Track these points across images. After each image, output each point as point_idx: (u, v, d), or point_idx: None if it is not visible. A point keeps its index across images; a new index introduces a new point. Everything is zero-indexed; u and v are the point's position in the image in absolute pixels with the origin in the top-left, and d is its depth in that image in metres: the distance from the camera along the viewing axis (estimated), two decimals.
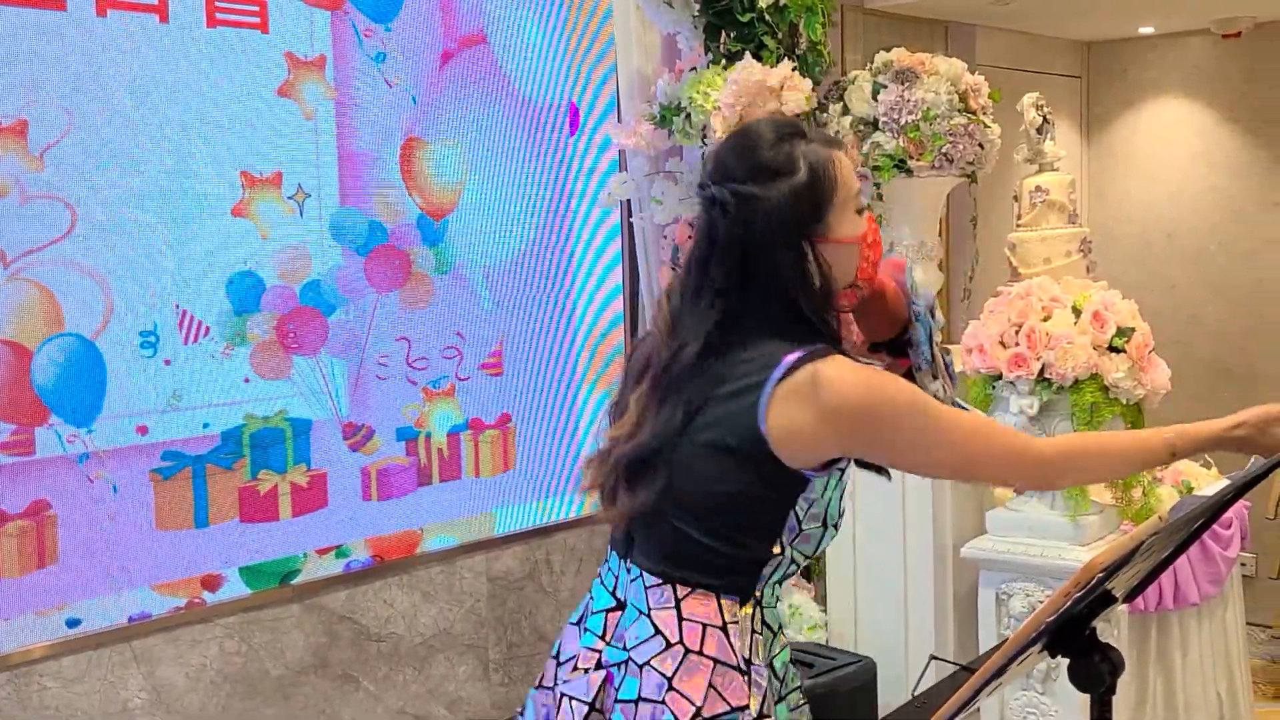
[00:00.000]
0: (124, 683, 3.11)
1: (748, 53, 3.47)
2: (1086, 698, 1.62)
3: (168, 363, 3.19)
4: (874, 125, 3.61)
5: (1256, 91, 5.71)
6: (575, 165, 4.16)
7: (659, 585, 1.70)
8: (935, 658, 1.97)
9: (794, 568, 1.77)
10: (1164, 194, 5.96)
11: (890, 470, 1.80)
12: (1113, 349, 3.11)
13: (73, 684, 3.02)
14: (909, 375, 1.84)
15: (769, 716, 1.70)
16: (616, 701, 1.67)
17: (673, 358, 1.73)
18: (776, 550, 1.70)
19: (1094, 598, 1.54)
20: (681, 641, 1.65)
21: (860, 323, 1.84)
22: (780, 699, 1.78)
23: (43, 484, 2.98)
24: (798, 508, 1.69)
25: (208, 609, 3.27)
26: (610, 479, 1.77)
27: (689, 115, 3.55)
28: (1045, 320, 3.16)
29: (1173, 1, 5.18)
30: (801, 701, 1.86)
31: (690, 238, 3.65)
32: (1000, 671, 1.53)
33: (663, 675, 1.64)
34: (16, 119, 2.93)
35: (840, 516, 1.75)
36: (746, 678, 1.66)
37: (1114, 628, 2.99)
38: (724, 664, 1.65)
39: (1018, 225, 3.70)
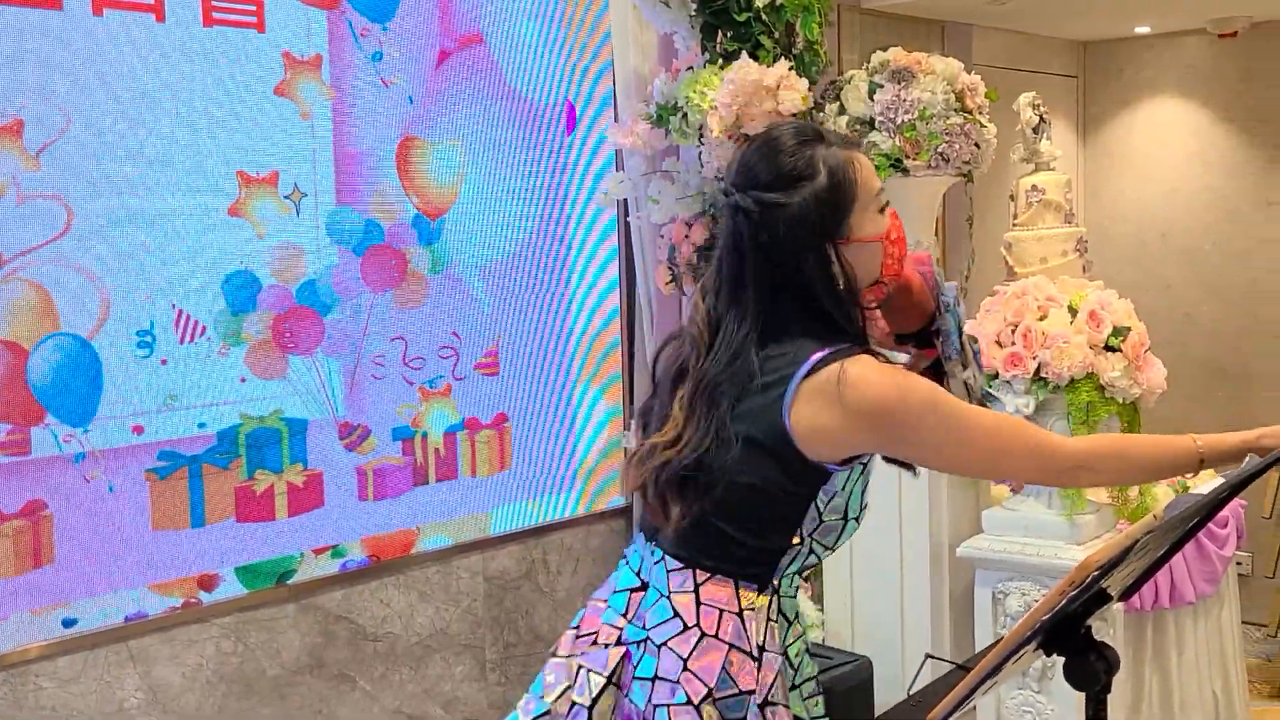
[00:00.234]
0: (120, 683, 3.11)
1: (744, 52, 3.47)
2: (1082, 696, 1.62)
3: (164, 362, 3.19)
4: (870, 125, 3.62)
5: (1252, 91, 5.72)
6: (572, 165, 4.16)
7: (680, 569, 1.76)
8: (930, 656, 1.97)
9: (814, 559, 1.79)
10: (1159, 193, 5.97)
11: (916, 466, 1.84)
12: (1109, 348, 3.11)
13: (68, 684, 3.02)
14: (937, 365, 1.86)
15: (777, 704, 1.72)
16: (635, 679, 1.73)
17: (713, 366, 1.78)
18: (796, 541, 1.73)
19: (1089, 596, 1.54)
20: (699, 625, 1.71)
21: (887, 316, 1.88)
22: (794, 686, 1.79)
23: (39, 484, 2.98)
24: (819, 500, 1.72)
25: (204, 609, 3.27)
26: (655, 487, 1.81)
27: (685, 115, 3.55)
28: (1041, 319, 3.16)
29: (1169, 1, 5.18)
30: (816, 691, 1.87)
31: (692, 240, 3.69)
32: (995, 670, 1.53)
33: (679, 656, 1.70)
34: (12, 118, 2.92)
35: (863, 509, 1.78)
36: (758, 663, 1.70)
37: (1110, 626, 3.00)
38: (738, 649, 1.70)
39: (1014, 225, 3.71)
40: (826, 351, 1.69)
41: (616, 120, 4.06)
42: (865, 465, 1.78)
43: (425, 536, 3.77)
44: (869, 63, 3.73)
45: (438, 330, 3.79)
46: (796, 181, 1.73)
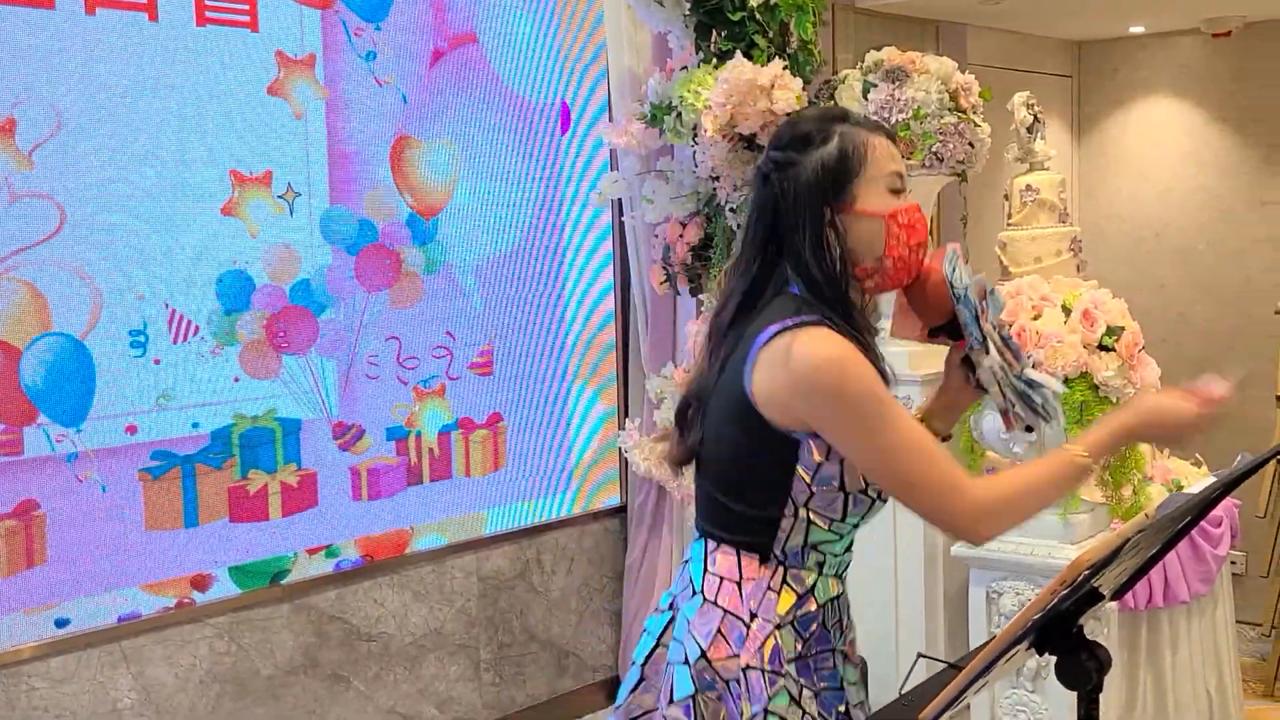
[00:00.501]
0: (113, 683, 3.10)
1: (739, 52, 3.47)
2: (1075, 696, 1.62)
3: (157, 362, 3.18)
4: None
5: (1246, 91, 5.72)
6: (566, 164, 4.16)
7: (699, 540, 1.86)
8: (923, 655, 1.97)
9: (833, 536, 1.79)
10: (1154, 193, 5.98)
11: None
12: (1103, 348, 3.11)
13: (61, 684, 3.01)
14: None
15: (766, 670, 1.74)
16: (671, 640, 1.85)
17: (717, 314, 1.86)
18: (789, 511, 1.75)
19: (1081, 595, 1.54)
20: (703, 591, 1.79)
21: (914, 309, 1.89)
22: (799, 657, 1.77)
23: (31, 484, 2.98)
24: (801, 469, 1.74)
25: (197, 609, 3.27)
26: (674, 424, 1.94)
27: (680, 114, 3.54)
28: (1035, 319, 3.16)
29: (1163, 1, 5.19)
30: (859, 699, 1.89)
31: (687, 240, 3.69)
32: (987, 669, 1.53)
33: (686, 620, 1.81)
34: (5, 118, 2.92)
35: (867, 484, 1.76)
36: (747, 629, 1.75)
37: (1104, 626, 3.00)
38: (731, 614, 1.76)
39: (1008, 224, 3.71)
40: (790, 321, 1.72)
41: (611, 120, 4.06)
42: None
43: (419, 536, 3.77)
44: (863, 62, 3.72)
45: (432, 330, 3.79)
46: (809, 145, 1.80)
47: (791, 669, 1.75)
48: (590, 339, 4.25)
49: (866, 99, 3.61)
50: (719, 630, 1.76)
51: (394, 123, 3.67)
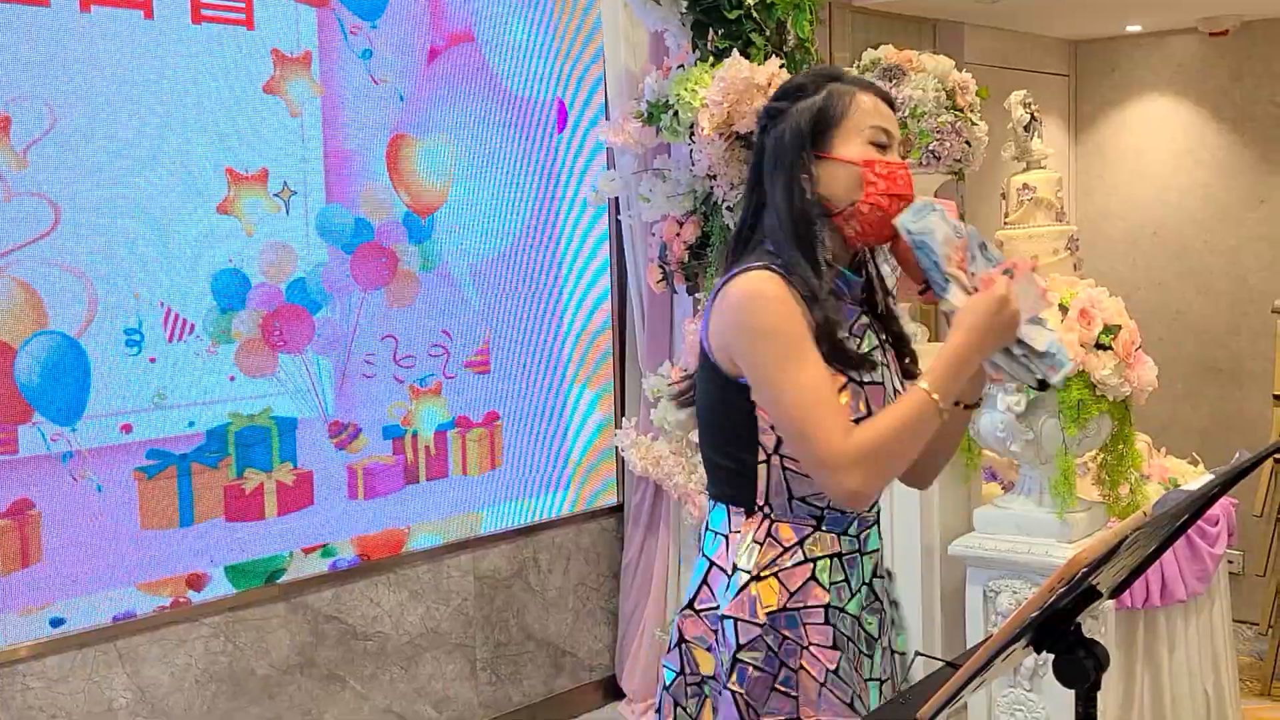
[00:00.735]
0: (108, 682, 3.10)
1: (735, 50, 3.47)
2: (1073, 694, 1.62)
3: (152, 361, 3.17)
4: None
5: (1242, 90, 5.72)
6: (563, 162, 4.15)
7: (708, 499, 1.91)
8: (920, 654, 1.96)
9: (816, 491, 1.76)
10: (1150, 191, 5.98)
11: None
12: (1100, 346, 3.11)
13: (56, 684, 3.01)
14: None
15: (732, 618, 1.76)
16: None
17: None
18: (761, 458, 1.78)
19: (1078, 593, 1.54)
20: (703, 549, 1.86)
21: (905, 269, 1.90)
22: (783, 610, 1.77)
23: (26, 483, 2.97)
24: (760, 414, 1.77)
25: (193, 608, 3.26)
26: None
27: (676, 113, 3.54)
28: None
29: (1160, 0, 5.19)
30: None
31: (683, 238, 3.69)
32: (985, 667, 1.53)
33: (694, 574, 1.87)
34: (0, 115, 2.91)
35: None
36: (729, 581, 1.79)
37: (1102, 624, 2.99)
38: (717, 566, 1.82)
39: (1005, 223, 3.71)
40: (739, 268, 1.78)
41: (608, 118, 4.05)
42: None
43: (415, 535, 3.76)
44: (860, 60, 3.72)
45: (428, 328, 3.78)
46: (799, 95, 1.85)
47: (771, 620, 1.76)
48: (587, 337, 4.24)
49: None
50: (705, 581, 1.82)
51: (390, 121, 3.66)
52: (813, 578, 1.80)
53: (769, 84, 3.36)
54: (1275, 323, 4.56)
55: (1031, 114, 3.68)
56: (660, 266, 3.78)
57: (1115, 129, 6.08)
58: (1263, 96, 5.66)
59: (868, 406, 1.77)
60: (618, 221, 4.12)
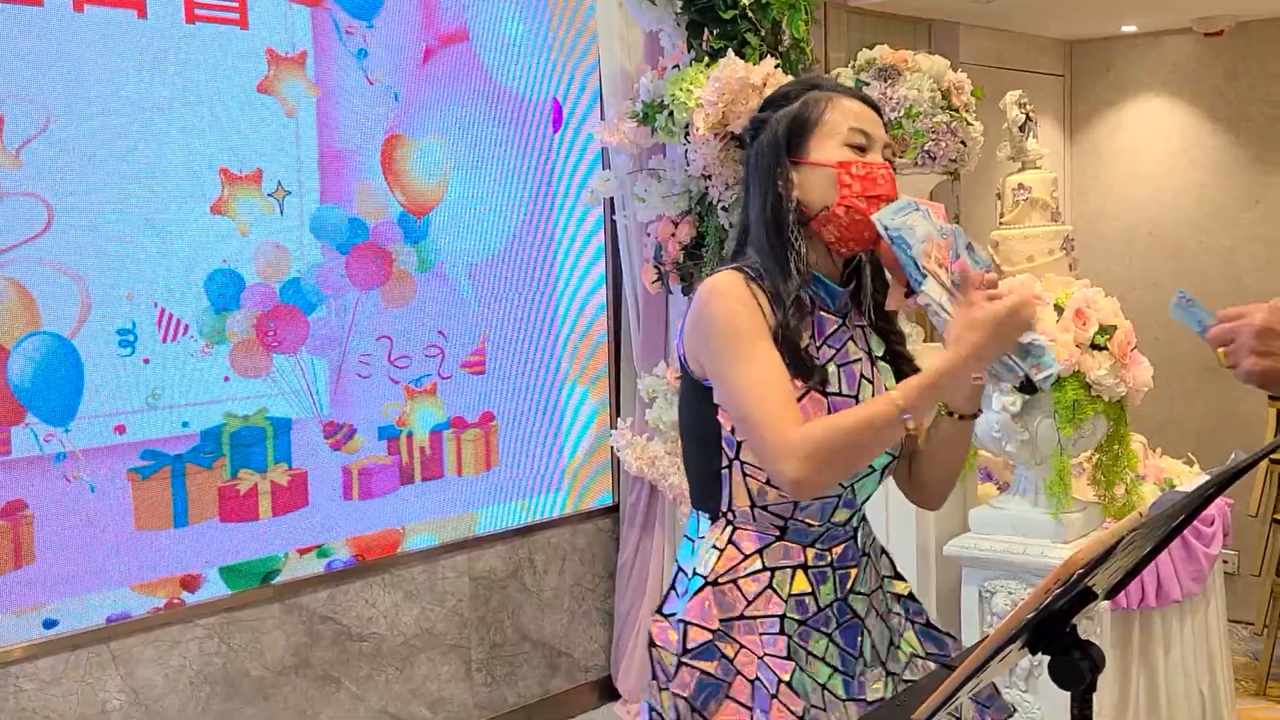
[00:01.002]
0: (102, 684, 3.09)
1: (730, 50, 3.46)
2: (1069, 695, 1.61)
3: (146, 361, 3.16)
4: None
5: (1237, 90, 5.73)
6: (558, 162, 4.14)
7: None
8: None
9: (786, 499, 1.74)
10: (1146, 192, 5.98)
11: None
12: (1095, 346, 3.11)
13: (50, 685, 3.00)
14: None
15: (685, 622, 1.76)
16: None
17: None
18: (724, 463, 1.79)
19: (1074, 594, 1.53)
20: (677, 554, 1.90)
21: (893, 275, 1.87)
22: (739, 617, 1.76)
23: (19, 484, 2.96)
24: (721, 415, 1.78)
25: (187, 609, 3.25)
26: None
27: (672, 113, 3.54)
28: None
29: (1155, 0, 5.19)
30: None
31: (678, 239, 3.68)
32: (980, 668, 1.52)
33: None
34: None
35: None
36: (689, 585, 1.81)
37: (1097, 625, 2.99)
38: (683, 571, 1.85)
39: (1000, 223, 3.70)
40: (715, 270, 1.82)
41: (603, 118, 4.05)
42: None
43: (411, 536, 3.76)
44: (855, 60, 3.72)
45: (424, 329, 3.77)
46: (780, 104, 1.87)
47: (725, 627, 1.76)
48: (582, 337, 4.24)
49: None
50: (672, 586, 1.85)
51: (385, 121, 3.65)
52: (770, 587, 1.78)
53: (764, 84, 3.36)
54: None
55: (1027, 114, 3.67)
56: (655, 267, 3.78)
57: (1110, 129, 6.08)
58: (1258, 97, 5.66)
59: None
60: (613, 221, 4.11)
